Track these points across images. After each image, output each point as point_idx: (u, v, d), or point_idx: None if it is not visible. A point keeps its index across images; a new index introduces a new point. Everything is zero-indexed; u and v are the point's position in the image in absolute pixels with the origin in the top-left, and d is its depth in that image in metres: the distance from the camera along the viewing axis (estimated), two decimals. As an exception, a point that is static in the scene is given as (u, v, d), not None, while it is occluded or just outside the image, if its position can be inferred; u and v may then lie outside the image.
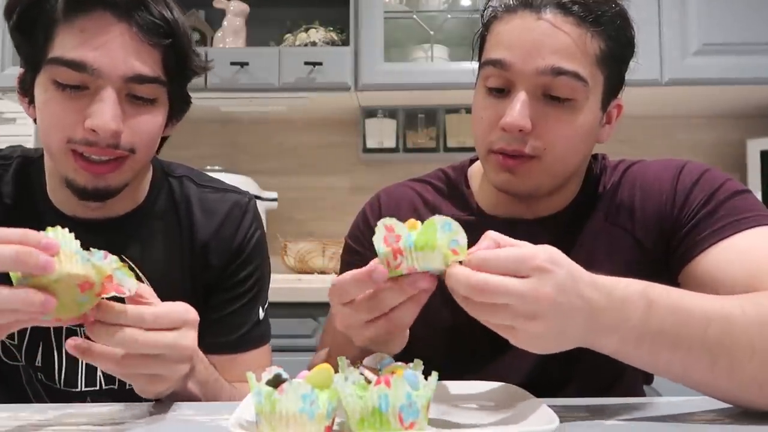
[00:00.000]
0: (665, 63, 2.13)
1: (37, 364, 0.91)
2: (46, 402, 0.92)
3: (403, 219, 0.60)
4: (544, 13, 0.79)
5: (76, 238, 0.61)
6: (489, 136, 0.82)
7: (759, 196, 2.18)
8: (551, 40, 0.78)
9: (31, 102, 0.86)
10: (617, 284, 0.60)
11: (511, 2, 0.82)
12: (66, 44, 0.80)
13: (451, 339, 0.90)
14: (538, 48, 0.78)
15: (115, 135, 0.81)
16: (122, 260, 0.88)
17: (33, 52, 0.83)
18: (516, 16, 0.81)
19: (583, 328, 0.59)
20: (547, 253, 0.57)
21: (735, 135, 2.49)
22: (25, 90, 0.87)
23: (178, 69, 0.87)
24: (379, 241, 0.59)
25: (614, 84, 0.85)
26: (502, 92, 0.82)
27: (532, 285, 0.55)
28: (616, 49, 0.82)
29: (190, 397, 0.76)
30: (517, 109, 0.78)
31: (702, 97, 2.31)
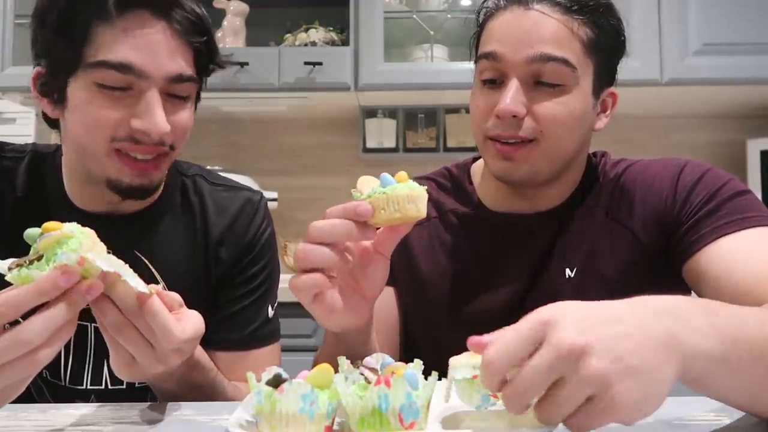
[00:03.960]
0: (665, 63, 2.13)
1: None
2: (48, 399, 0.92)
3: None
4: (532, 5, 0.83)
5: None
6: (485, 124, 0.85)
7: (759, 196, 2.17)
8: (539, 29, 0.82)
9: (58, 102, 0.84)
10: (647, 297, 0.50)
11: (502, 1, 0.86)
12: (109, 46, 0.79)
13: (454, 338, 0.90)
14: (527, 38, 0.82)
15: (166, 136, 0.82)
16: (134, 255, 0.89)
17: (69, 55, 0.81)
18: (506, 11, 0.85)
19: (667, 337, 0.46)
20: (545, 308, 0.47)
21: (735, 135, 2.49)
22: (48, 91, 0.85)
23: (207, 65, 0.89)
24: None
25: (604, 72, 0.87)
26: (495, 83, 0.85)
27: (553, 338, 0.44)
28: (603, 36, 0.85)
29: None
30: (510, 95, 0.81)
31: (702, 97, 2.31)
